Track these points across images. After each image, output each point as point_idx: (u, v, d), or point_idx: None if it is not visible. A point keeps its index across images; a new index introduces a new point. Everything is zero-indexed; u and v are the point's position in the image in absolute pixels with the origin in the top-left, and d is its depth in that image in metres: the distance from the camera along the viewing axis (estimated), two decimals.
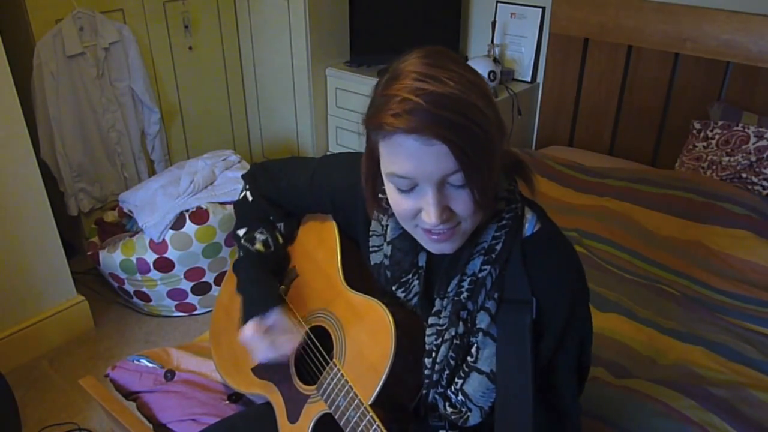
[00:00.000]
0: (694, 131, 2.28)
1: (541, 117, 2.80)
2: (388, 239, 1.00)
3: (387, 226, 1.00)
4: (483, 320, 0.92)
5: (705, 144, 2.23)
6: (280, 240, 1.21)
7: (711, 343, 1.49)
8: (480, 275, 0.91)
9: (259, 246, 1.17)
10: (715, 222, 1.90)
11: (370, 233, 1.04)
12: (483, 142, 0.78)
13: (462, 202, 0.82)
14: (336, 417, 0.96)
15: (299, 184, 1.15)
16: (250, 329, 1.08)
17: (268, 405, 1.15)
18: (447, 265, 0.93)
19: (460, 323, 0.92)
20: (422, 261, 0.98)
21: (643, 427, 1.25)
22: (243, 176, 1.25)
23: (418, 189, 0.82)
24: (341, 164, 1.13)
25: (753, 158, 2.10)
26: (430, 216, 0.82)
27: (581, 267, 0.94)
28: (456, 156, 0.77)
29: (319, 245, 1.16)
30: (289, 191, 1.18)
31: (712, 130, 2.23)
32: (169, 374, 1.40)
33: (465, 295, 0.92)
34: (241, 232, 1.19)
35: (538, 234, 0.92)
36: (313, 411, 1.02)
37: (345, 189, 1.09)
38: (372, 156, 0.87)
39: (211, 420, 1.25)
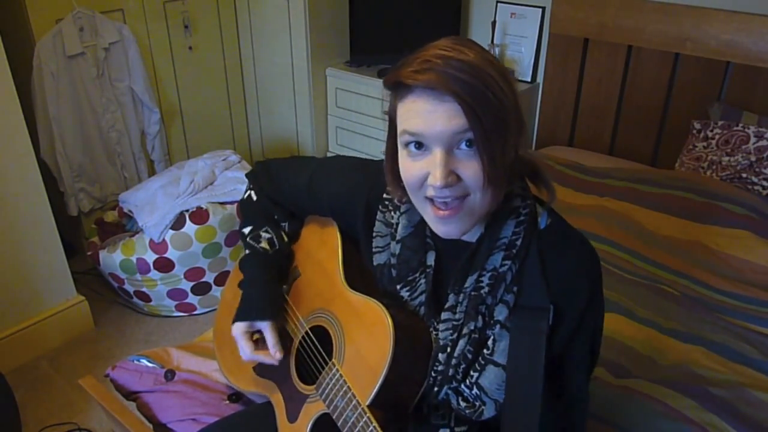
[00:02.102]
0: (694, 131, 2.28)
1: (541, 117, 2.80)
2: (398, 237, 1.00)
3: (398, 224, 1.01)
4: (501, 313, 0.92)
5: (705, 144, 2.23)
6: (285, 239, 1.21)
7: (711, 343, 1.49)
8: (501, 270, 0.92)
9: (264, 244, 1.18)
10: (715, 222, 1.90)
11: (374, 234, 1.05)
12: (496, 109, 0.80)
13: (471, 169, 0.82)
14: (334, 417, 0.96)
15: (298, 188, 1.16)
16: (237, 330, 1.11)
17: (267, 404, 1.15)
18: (464, 261, 0.93)
19: (479, 317, 0.93)
20: (431, 260, 0.98)
21: (643, 427, 1.25)
22: (246, 175, 1.26)
23: (428, 153, 0.83)
24: (338, 170, 1.13)
25: (753, 158, 2.10)
26: (435, 177, 0.81)
27: (595, 255, 0.94)
28: (466, 114, 0.78)
29: (321, 245, 1.17)
30: (289, 194, 1.19)
31: (712, 130, 2.23)
32: (169, 374, 1.40)
33: (486, 290, 0.92)
34: (247, 230, 1.20)
35: (551, 227, 0.94)
36: (311, 411, 1.02)
37: (343, 195, 1.10)
38: (392, 130, 0.89)
39: (211, 420, 1.25)
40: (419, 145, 0.83)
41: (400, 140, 0.86)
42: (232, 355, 1.26)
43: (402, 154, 0.87)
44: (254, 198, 1.22)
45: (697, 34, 2.29)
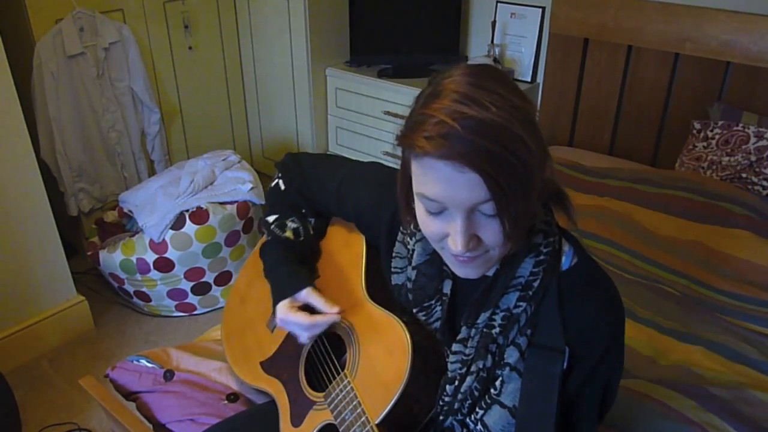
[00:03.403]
0: (694, 131, 2.28)
1: (541, 117, 2.80)
2: (413, 264, 0.97)
3: (413, 250, 0.97)
4: (512, 355, 0.89)
5: (705, 144, 2.23)
6: (311, 232, 1.18)
7: (711, 343, 1.49)
8: (515, 311, 0.87)
9: (288, 233, 1.14)
10: (715, 222, 1.89)
11: (393, 255, 1.02)
12: (520, 174, 0.74)
13: (491, 232, 0.78)
14: (340, 430, 0.95)
15: (327, 191, 1.13)
16: (282, 311, 1.06)
17: (268, 405, 1.15)
18: (479, 295, 0.89)
19: (489, 356, 0.89)
20: (447, 288, 0.95)
21: (643, 427, 1.25)
22: (276, 164, 1.22)
23: (447, 213, 0.79)
24: (369, 180, 1.10)
25: (753, 158, 2.10)
26: (456, 244, 0.78)
27: (620, 305, 0.89)
28: (489, 186, 0.73)
29: (344, 248, 1.14)
30: (317, 193, 1.15)
31: (712, 130, 2.22)
32: (168, 374, 1.40)
33: (497, 330, 0.88)
34: (272, 218, 1.17)
35: (575, 270, 0.89)
36: (317, 419, 1.01)
37: (369, 207, 1.06)
38: (405, 172, 0.83)
39: (209, 420, 1.25)
40: (438, 207, 0.78)
41: (417, 197, 0.81)
42: (239, 345, 1.25)
43: (418, 206, 0.82)
44: (282, 188, 1.17)
45: (697, 34, 2.29)
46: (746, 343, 1.50)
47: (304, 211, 1.18)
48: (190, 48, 2.99)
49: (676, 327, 1.55)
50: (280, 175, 1.19)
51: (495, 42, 2.74)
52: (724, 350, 1.47)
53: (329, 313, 1.04)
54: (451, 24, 2.84)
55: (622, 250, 1.86)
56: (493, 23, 2.73)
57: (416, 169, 0.78)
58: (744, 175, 2.08)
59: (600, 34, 2.51)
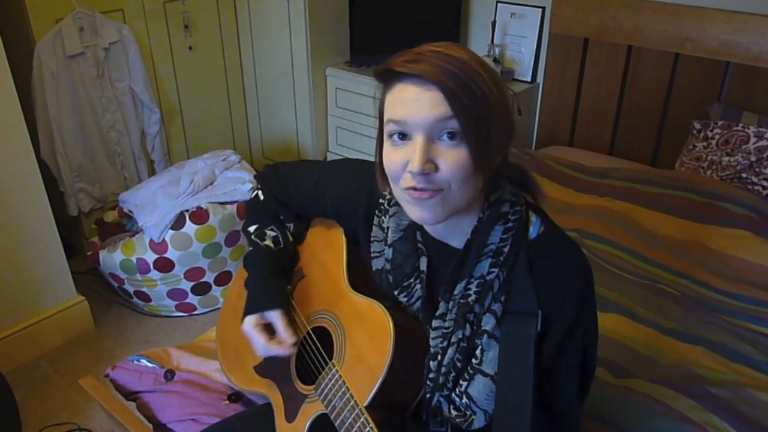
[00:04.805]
0: (694, 131, 2.28)
1: (541, 117, 2.80)
2: (388, 242, 1.01)
3: (388, 228, 1.01)
4: (488, 322, 0.92)
5: (705, 144, 2.23)
6: (290, 238, 1.22)
7: (711, 343, 1.49)
8: (488, 278, 0.91)
9: (268, 242, 1.18)
10: (715, 222, 1.90)
11: (371, 239, 1.05)
12: (480, 101, 0.82)
13: (450, 158, 0.82)
14: (332, 418, 0.96)
15: (305, 190, 1.17)
16: (248, 324, 1.10)
17: (268, 406, 1.15)
18: (454, 267, 0.93)
19: (467, 325, 0.93)
20: (423, 265, 0.98)
21: (643, 427, 1.25)
22: (255, 176, 1.27)
23: (409, 142, 0.84)
24: (343, 172, 1.14)
25: (753, 158, 2.10)
26: (413, 162, 0.82)
27: (588, 269, 0.93)
28: (450, 102, 0.80)
29: (326, 247, 1.17)
30: (296, 196, 1.20)
31: (712, 130, 2.23)
32: (169, 374, 1.41)
33: (473, 297, 0.92)
34: (252, 228, 1.21)
35: (543, 237, 0.93)
36: (310, 411, 1.03)
37: (346, 196, 1.10)
38: (381, 121, 0.90)
39: (210, 420, 1.25)
40: (402, 135, 0.84)
41: (386, 131, 0.87)
42: (233, 354, 1.26)
43: (386, 145, 0.88)
44: (261, 197, 1.23)
45: (697, 34, 2.29)
46: (746, 343, 1.50)
47: (282, 218, 1.22)
48: (190, 48, 2.99)
49: (676, 327, 1.55)
50: (259, 186, 1.25)
51: (495, 42, 2.74)
52: (724, 350, 1.48)
53: (284, 343, 1.07)
54: (451, 24, 2.84)
55: (622, 250, 1.86)
56: (493, 23, 2.73)
57: (388, 99, 0.87)
58: (744, 175, 2.08)
59: (600, 34, 2.51)
